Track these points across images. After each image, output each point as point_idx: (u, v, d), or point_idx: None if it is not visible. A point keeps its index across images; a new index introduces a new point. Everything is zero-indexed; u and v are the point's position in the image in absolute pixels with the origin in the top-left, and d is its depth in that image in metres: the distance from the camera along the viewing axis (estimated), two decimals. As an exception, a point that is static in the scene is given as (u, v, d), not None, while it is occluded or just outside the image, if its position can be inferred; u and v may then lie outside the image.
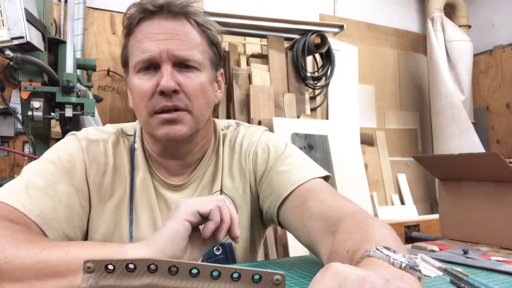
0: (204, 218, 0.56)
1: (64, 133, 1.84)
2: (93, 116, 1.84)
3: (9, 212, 0.61)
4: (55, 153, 0.73)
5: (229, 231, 0.58)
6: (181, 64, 0.72)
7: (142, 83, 0.72)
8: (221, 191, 0.80)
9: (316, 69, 2.67)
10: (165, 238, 0.52)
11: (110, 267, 0.36)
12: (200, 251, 0.59)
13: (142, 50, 0.71)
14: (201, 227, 0.58)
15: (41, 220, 0.63)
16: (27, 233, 0.56)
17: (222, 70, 0.83)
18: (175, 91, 0.70)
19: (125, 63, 0.77)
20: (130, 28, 0.75)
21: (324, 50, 2.53)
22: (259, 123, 2.24)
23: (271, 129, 2.13)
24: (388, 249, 0.42)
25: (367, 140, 3.16)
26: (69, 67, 1.69)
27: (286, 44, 2.59)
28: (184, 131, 0.71)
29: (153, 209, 0.76)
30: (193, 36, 0.74)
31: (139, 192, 0.76)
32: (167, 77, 0.69)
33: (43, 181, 0.67)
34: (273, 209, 0.76)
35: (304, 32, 2.51)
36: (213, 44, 0.78)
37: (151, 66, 0.71)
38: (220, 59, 0.81)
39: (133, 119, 0.84)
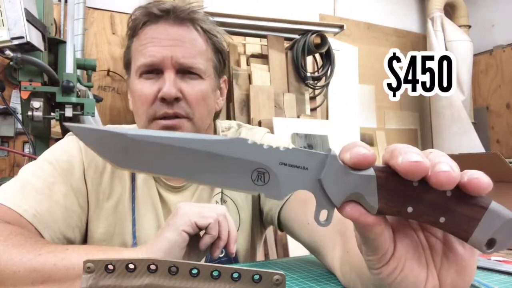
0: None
1: (64, 133, 1.84)
2: (93, 116, 1.84)
3: (4, 212, 0.61)
4: (53, 154, 0.73)
5: (226, 246, 0.58)
6: (184, 71, 0.71)
7: (143, 87, 0.71)
8: (222, 193, 0.80)
9: (316, 69, 2.67)
10: (164, 249, 0.52)
11: (110, 267, 0.36)
12: (198, 257, 0.59)
13: (145, 55, 0.70)
14: (201, 232, 0.58)
15: (37, 221, 0.63)
16: (21, 235, 0.55)
17: (225, 77, 0.82)
18: (176, 99, 0.69)
19: (127, 64, 0.77)
20: (134, 30, 0.74)
21: (324, 50, 2.53)
22: (259, 123, 2.24)
23: (271, 129, 2.13)
24: None
25: (367, 140, 3.16)
26: (69, 67, 1.69)
27: (286, 44, 2.59)
28: None
29: (156, 209, 0.76)
30: (198, 43, 0.73)
31: (141, 192, 0.76)
32: (169, 84, 0.68)
33: (39, 181, 0.67)
34: (275, 211, 0.76)
35: (304, 32, 2.51)
36: (218, 51, 0.77)
37: (154, 70, 0.71)
38: (225, 66, 0.80)
39: (133, 119, 0.83)
